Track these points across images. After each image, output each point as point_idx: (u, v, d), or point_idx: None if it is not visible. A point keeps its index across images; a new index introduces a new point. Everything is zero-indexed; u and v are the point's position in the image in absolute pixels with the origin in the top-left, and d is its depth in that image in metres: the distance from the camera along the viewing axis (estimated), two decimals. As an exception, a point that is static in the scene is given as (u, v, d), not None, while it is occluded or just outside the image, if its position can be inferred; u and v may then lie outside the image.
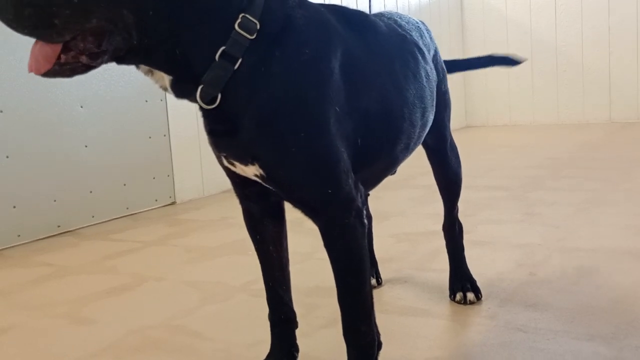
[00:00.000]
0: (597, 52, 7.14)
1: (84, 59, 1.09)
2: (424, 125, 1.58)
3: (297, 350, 1.56)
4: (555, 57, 7.36)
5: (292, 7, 1.26)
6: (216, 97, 1.20)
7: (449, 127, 1.96)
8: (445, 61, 2.02)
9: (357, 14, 1.46)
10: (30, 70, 1.09)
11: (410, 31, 1.68)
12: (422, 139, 1.67)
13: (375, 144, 1.40)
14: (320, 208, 1.28)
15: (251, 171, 1.27)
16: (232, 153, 1.27)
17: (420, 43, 1.68)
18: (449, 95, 1.94)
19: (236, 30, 1.17)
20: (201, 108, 1.24)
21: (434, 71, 1.71)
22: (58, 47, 1.07)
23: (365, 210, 1.34)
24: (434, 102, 1.67)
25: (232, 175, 1.37)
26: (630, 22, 6.94)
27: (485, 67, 2.24)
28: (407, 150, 1.55)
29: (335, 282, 1.32)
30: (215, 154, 1.35)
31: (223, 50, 1.17)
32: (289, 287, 1.54)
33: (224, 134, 1.25)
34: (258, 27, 1.19)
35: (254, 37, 1.19)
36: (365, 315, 1.33)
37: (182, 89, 1.20)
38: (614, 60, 7.08)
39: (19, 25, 1.03)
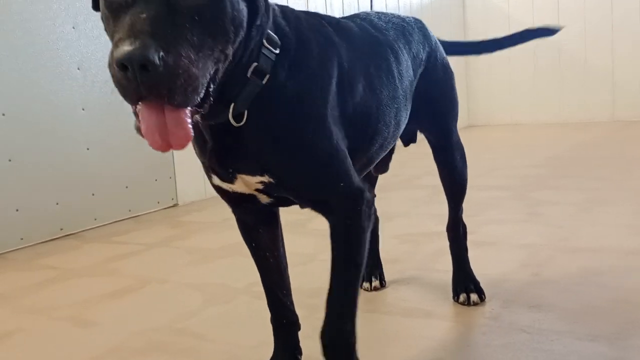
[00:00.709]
0: (600, 50, 7.12)
1: (194, 110, 1.03)
2: (397, 125, 1.60)
3: (300, 353, 1.56)
4: (558, 55, 7.34)
5: (293, 21, 1.29)
6: (243, 114, 1.19)
7: (455, 125, 1.94)
8: (476, 42, 2.11)
9: (331, 20, 1.47)
10: (167, 149, 0.99)
11: (387, 31, 1.66)
12: (397, 137, 1.69)
13: (353, 146, 1.40)
14: (335, 201, 1.30)
15: (255, 181, 1.27)
16: (240, 166, 1.26)
17: (398, 43, 1.66)
18: (455, 93, 1.92)
19: (265, 46, 1.18)
20: (211, 129, 1.23)
21: (410, 70, 1.69)
22: (187, 110, 0.99)
23: (374, 210, 1.35)
24: (408, 102, 1.68)
25: (222, 191, 1.37)
26: (633, 19, 6.92)
27: (521, 42, 2.15)
28: (382, 149, 1.58)
29: (332, 274, 1.30)
30: (207, 173, 1.35)
31: (255, 67, 1.17)
32: (289, 290, 1.54)
33: (233, 149, 1.24)
34: (279, 42, 1.21)
35: (277, 51, 1.20)
36: (353, 313, 1.32)
37: (212, 112, 1.12)
38: (617, 58, 7.06)
39: (178, 99, 0.95)
